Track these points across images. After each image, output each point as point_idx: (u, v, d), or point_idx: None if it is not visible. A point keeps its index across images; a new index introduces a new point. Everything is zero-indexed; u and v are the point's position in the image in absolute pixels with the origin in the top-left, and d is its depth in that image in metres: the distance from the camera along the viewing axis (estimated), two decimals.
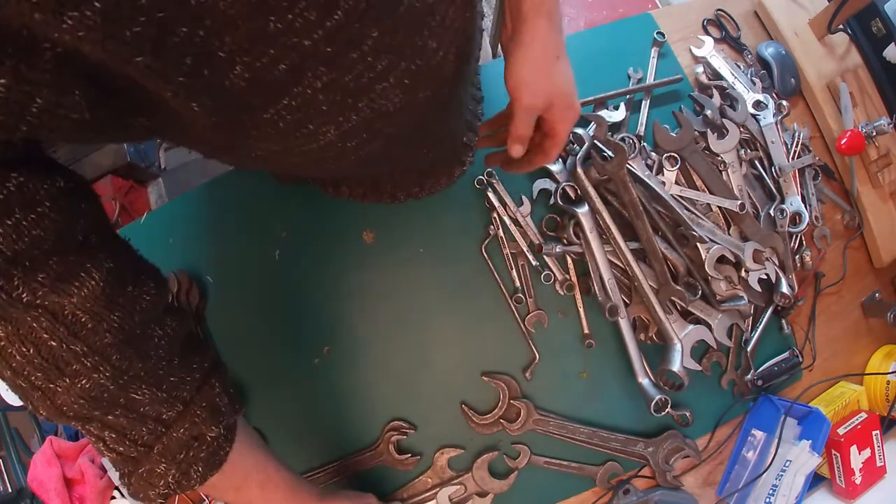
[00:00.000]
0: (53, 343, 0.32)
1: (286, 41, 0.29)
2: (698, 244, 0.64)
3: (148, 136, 0.36)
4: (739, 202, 0.67)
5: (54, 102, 0.26)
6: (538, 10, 0.45)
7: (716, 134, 0.70)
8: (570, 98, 0.49)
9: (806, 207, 0.70)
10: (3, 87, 0.24)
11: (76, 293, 0.32)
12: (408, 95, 0.39)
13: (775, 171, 0.72)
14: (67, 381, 0.33)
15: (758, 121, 0.73)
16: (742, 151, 0.72)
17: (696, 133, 0.70)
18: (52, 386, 0.33)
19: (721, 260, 0.64)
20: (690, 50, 0.77)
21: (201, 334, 0.57)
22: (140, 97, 0.29)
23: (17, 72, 0.24)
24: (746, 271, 0.65)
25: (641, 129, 0.72)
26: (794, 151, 0.73)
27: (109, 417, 0.37)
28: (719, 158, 0.70)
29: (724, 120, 0.71)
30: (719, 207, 0.69)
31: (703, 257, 0.63)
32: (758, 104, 0.73)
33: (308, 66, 0.31)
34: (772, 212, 0.70)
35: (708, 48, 0.76)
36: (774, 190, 0.72)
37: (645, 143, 0.70)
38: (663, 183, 0.68)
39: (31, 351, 0.32)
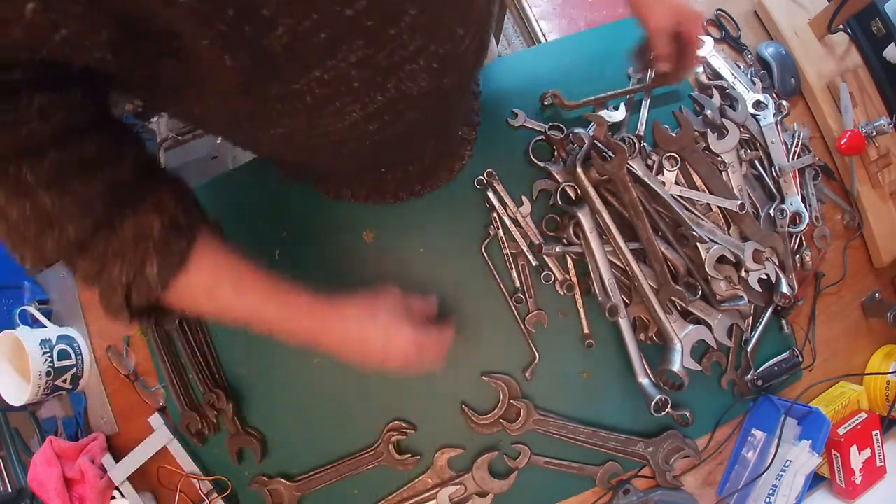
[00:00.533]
0: (48, 200, 0.33)
1: (330, 8, 0.29)
2: (698, 244, 0.64)
3: (166, 96, 0.35)
4: (739, 202, 0.67)
5: (79, 36, 0.26)
6: None
7: (716, 134, 0.70)
8: (688, 8, 0.55)
9: (806, 207, 0.70)
10: (31, 11, 0.24)
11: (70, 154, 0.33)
12: (434, 80, 0.40)
13: (775, 171, 0.72)
14: (57, 231, 0.35)
15: (758, 121, 0.73)
16: (742, 151, 0.72)
17: (696, 133, 0.70)
18: (43, 237, 0.35)
19: (721, 260, 0.64)
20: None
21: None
22: (170, 44, 0.29)
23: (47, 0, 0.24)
24: (746, 271, 0.65)
25: (641, 129, 0.72)
26: (794, 151, 0.73)
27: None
28: (719, 158, 0.70)
29: (724, 120, 0.70)
30: (719, 207, 0.69)
31: (704, 257, 0.63)
32: (758, 104, 0.73)
33: (346, 38, 0.32)
34: (772, 212, 0.70)
35: (708, 48, 0.76)
36: (774, 190, 0.71)
37: (645, 144, 0.70)
38: (663, 183, 0.68)
39: (28, 208, 0.33)
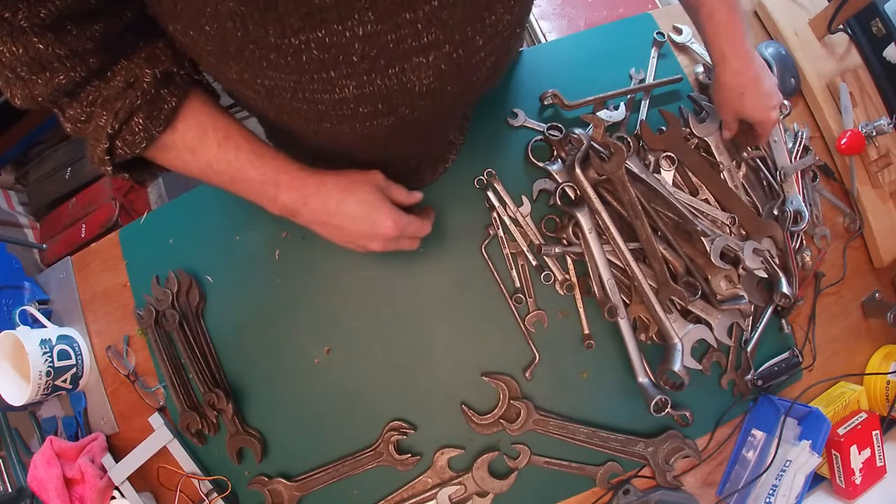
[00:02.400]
0: (41, 46, 0.33)
1: None
2: (702, 238, 0.64)
3: (159, 10, 0.34)
4: (730, 216, 0.68)
5: None
6: (743, 38, 0.61)
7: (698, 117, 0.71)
8: (772, 111, 0.63)
9: (806, 207, 0.71)
10: None
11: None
12: (438, 82, 0.39)
13: (780, 175, 0.71)
14: (48, 74, 0.35)
15: None
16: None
17: (686, 130, 0.70)
18: (34, 77, 0.35)
19: (723, 257, 0.64)
20: (669, 37, 0.77)
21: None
22: None
23: None
24: (745, 270, 0.65)
25: (638, 130, 0.72)
26: (797, 151, 0.72)
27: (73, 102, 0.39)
28: (719, 162, 0.70)
29: (703, 102, 0.72)
30: (717, 200, 0.70)
31: (708, 249, 0.63)
32: None
33: (358, 7, 0.31)
34: (775, 210, 0.70)
35: (686, 36, 0.76)
36: (777, 188, 0.71)
37: (644, 143, 0.70)
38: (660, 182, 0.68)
39: (20, 51, 0.33)
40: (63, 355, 0.70)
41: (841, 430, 0.67)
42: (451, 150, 0.70)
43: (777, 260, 0.68)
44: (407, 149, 0.57)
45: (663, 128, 0.70)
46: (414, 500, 0.67)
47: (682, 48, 0.78)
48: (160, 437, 0.68)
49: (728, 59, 0.60)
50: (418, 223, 0.55)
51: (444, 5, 0.33)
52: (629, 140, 0.68)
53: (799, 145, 0.73)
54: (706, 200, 0.70)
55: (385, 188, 0.53)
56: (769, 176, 0.72)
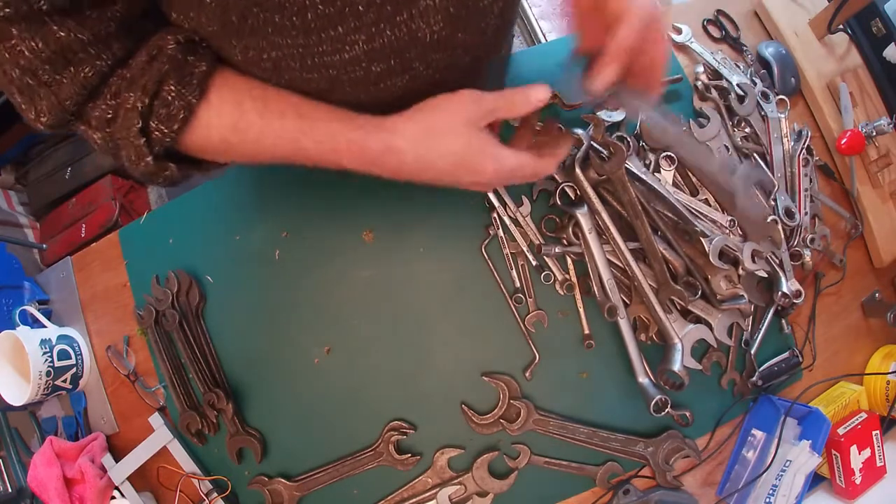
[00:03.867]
0: (62, 34, 0.32)
1: None
2: (701, 238, 0.64)
3: None
4: (729, 218, 0.68)
5: None
6: None
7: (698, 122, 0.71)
8: (661, 17, 0.42)
9: (806, 206, 0.70)
10: None
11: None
12: (447, 27, 0.37)
13: (784, 169, 0.72)
14: (73, 69, 0.33)
15: (764, 115, 0.73)
16: (740, 139, 0.72)
17: (684, 129, 0.70)
18: (58, 77, 0.33)
19: (722, 257, 0.64)
20: (669, 37, 0.77)
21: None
22: None
23: None
24: (745, 271, 0.65)
25: (639, 129, 0.72)
26: (801, 149, 0.72)
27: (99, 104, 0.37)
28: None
29: (703, 107, 0.72)
30: (717, 200, 0.70)
31: (707, 248, 0.63)
32: (765, 95, 0.73)
33: None
34: (780, 211, 0.70)
35: (686, 35, 0.76)
36: (775, 184, 0.71)
37: (644, 143, 0.70)
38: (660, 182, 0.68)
39: (41, 45, 0.32)
40: (63, 355, 0.70)
41: (841, 430, 0.67)
42: None
43: (777, 260, 0.68)
44: None
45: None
46: (414, 500, 0.67)
47: (682, 48, 0.78)
48: (160, 437, 0.68)
49: None
50: (532, 164, 0.44)
51: None
52: (629, 140, 0.68)
53: (803, 143, 0.73)
54: (706, 200, 0.70)
55: (479, 116, 0.41)
56: (769, 173, 0.72)
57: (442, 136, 0.41)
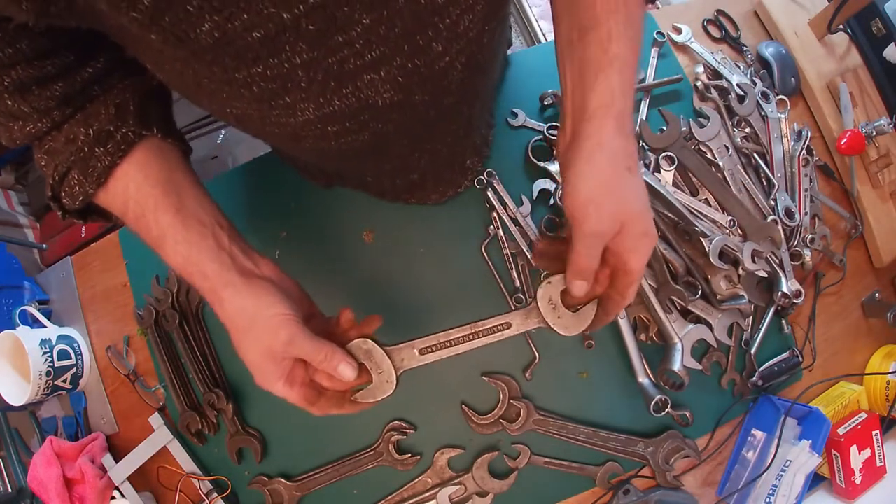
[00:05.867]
0: (10, 103, 0.36)
1: (262, 9, 0.28)
2: (701, 238, 0.64)
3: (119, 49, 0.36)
4: (729, 218, 0.68)
5: None
6: (607, 109, 0.37)
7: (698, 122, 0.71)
8: (645, 222, 0.38)
9: (806, 205, 0.70)
10: None
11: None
12: (400, 93, 0.37)
13: (784, 169, 0.72)
14: (21, 123, 0.38)
15: (764, 115, 0.73)
16: (740, 139, 0.72)
17: (684, 130, 0.70)
18: (10, 124, 0.39)
19: (722, 257, 0.64)
20: (669, 37, 0.77)
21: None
22: (94, 11, 0.29)
23: None
24: (745, 271, 0.65)
25: (639, 129, 0.72)
26: (800, 150, 0.72)
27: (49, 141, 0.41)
28: (719, 163, 0.70)
29: (703, 107, 0.72)
30: (717, 199, 0.70)
31: (707, 248, 0.63)
32: (765, 95, 0.73)
33: (286, 40, 0.30)
34: (780, 211, 0.70)
35: (686, 35, 0.76)
36: (775, 184, 0.71)
37: (644, 143, 0.70)
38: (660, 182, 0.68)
39: None
40: (63, 355, 0.70)
41: (841, 430, 0.67)
42: (465, 174, 0.68)
43: (777, 260, 0.68)
44: (403, 160, 0.54)
45: (663, 128, 0.70)
46: (414, 500, 0.67)
47: (682, 48, 0.78)
48: (160, 437, 0.68)
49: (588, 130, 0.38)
50: (324, 405, 0.46)
51: (378, 21, 0.31)
52: None
53: (804, 143, 0.73)
54: (706, 201, 0.70)
55: (283, 355, 0.43)
56: (769, 173, 0.72)
57: (247, 339, 0.44)
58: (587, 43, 0.37)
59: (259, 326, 0.42)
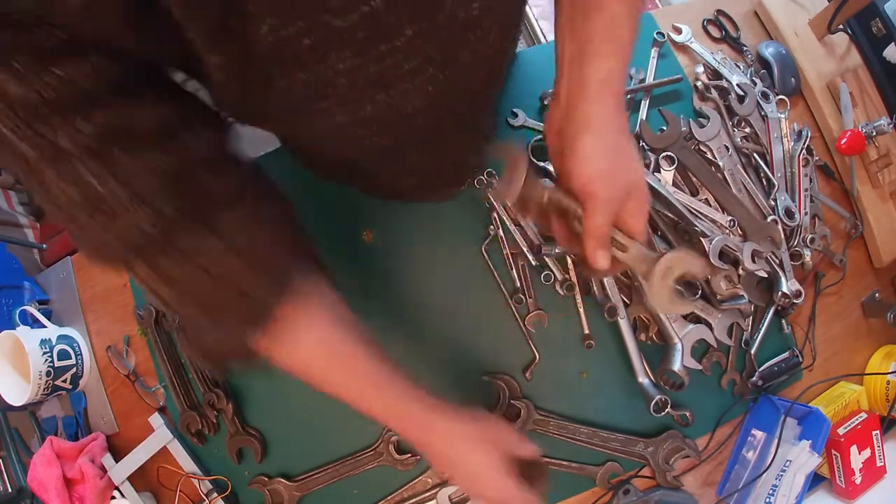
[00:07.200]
0: (99, 188, 0.29)
1: (318, 17, 0.28)
2: (701, 238, 0.64)
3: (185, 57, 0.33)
4: (729, 218, 0.68)
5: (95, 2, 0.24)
6: (607, 84, 0.38)
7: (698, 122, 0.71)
8: (645, 187, 0.41)
9: (806, 205, 0.70)
10: None
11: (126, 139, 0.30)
12: (428, 102, 0.38)
13: (784, 169, 0.72)
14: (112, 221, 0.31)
15: (764, 115, 0.73)
16: (739, 140, 0.72)
17: (684, 130, 0.70)
18: (93, 222, 0.31)
19: (722, 257, 0.64)
20: (669, 37, 0.77)
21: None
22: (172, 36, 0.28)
23: None
24: (745, 271, 0.65)
25: (639, 129, 0.72)
26: (800, 150, 0.72)
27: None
28: (719, 163, 0.70)
29: (703, 107, 0.72)
30: (717, 199, 0.70)
31: (707, 248, 0.63)
32: (765, 95, 0.73)
33: (334, 47, 0.31)
34: (780, 211, 0.70)
35: (686, 35, 0.76)
36: (775, 184, 0.71)
37: (643, 143, 0.70)
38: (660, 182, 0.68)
39: (76, 193, 0.29)
40: (63, 355, 0.70)
41: (841, 430, 0.67)
42: (467, 173, 0.69)
43: (777, 260, 0.68)
44: (419, 163, 0.57)
45: (663, 128, 0.70)
46: (414, 500, 0.67)
47: (682, 48, 0.78)
48: (160, 437, 0.68)
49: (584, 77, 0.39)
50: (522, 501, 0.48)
51: (420, 33, 0.32)
52: None
53: (804, 143, 0.73)
54: (706, 201, 0.70)
55: (509, 447, 0.49)
56: (769, 173, 0.72)
57: (481, 447, 0.48)
58: (592, 23, 0.38)
59: (485, 433, 0.49)
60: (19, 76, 0.25)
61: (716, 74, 0.75)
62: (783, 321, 0.71)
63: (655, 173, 0.69)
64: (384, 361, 0.46)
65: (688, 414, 0.66)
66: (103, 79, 0.28)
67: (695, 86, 0.75)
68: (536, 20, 1.31)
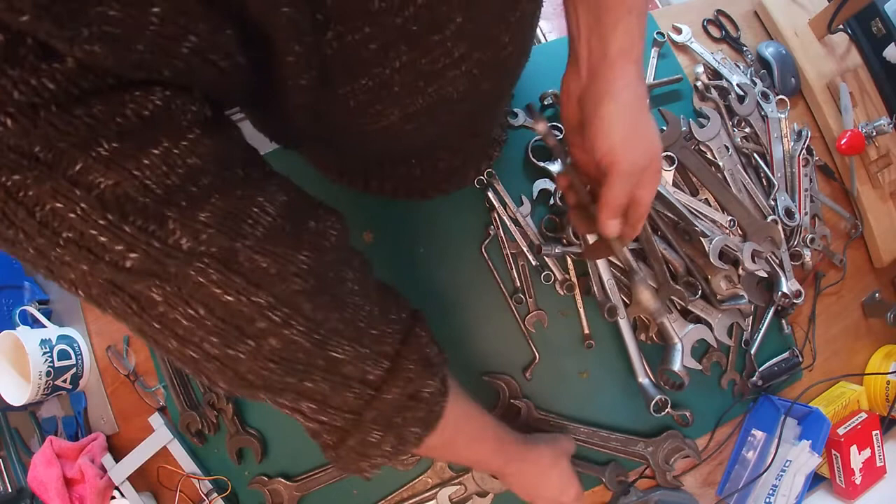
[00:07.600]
0: (229, 298, 0.25)
1: (383, 19, 0.28)
2: (701, 238, 0.64)
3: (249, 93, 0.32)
4: (729, 219, 0.68)
5: (208, 41, 0.22)
6: (628, 53, 0.38)
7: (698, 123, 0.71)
8: (660, 158, 0.41)
9: (806, 205, 0.70)
10: (157, 18, 0.19)
11: (250, 233, 0.26)
12: (472, 85, 0.39)
13: (784, 169, 0.72)
14: (252, 343, 0.27)
15: (764, 115, 0.73)
16: (739, 140, 0.72)
17: (685, 130, 0.70)
18: (231, 352, 0.27)
19: (722, 257, 0.64)
20: (669, 37, 0.77)
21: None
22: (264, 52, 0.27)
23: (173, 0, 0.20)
24: (745, 271, 0.65)
25: None
26: (800, 150, 0.72)
27: (306, 384, 0.30)
28: (719, 163, 0.70)
29: (703, 107, 0.72)
30: (717, 199, 0.70)
31: (707, 248, 0.63)
32: (765, 95, 0.73)
33: (392, 45, 0.31)
34: (780, 211, 0.70)
35: (686, 35, 0.76)
36: (775, 184, 0.71)
37: None
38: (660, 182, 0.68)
39: (202, 312, 0.26)
40: (63, 355, 0.70)
41: (841, 430, 0.67)
42: (495, 147, 0.70)
43: (777, 260, 0.68)
44: (455, 144, 0.58)
45: (663, 128, 0.70)
46: (414, 500, 0.67)
47: (682, 48, 0.78)
48: (160, 437, 0.68)
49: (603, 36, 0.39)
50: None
51: (468, 18, 0.32)
52: None
53: (803, 144, 0.73)
54: (706, 201, 0.70)
55: (571, 453, 0.59)
56: (769, 173, 0.72)
57: (563, 461, 0.55)
58: None
59: (562, 450, 0.57)
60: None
61: (716, 74, 0.76)
62: (783, 321, 0.71)
63: None
64: (485, 414, 0.48)
65: (688, 414, 0.66)
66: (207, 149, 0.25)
67: (695, 86, 0.75)
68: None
